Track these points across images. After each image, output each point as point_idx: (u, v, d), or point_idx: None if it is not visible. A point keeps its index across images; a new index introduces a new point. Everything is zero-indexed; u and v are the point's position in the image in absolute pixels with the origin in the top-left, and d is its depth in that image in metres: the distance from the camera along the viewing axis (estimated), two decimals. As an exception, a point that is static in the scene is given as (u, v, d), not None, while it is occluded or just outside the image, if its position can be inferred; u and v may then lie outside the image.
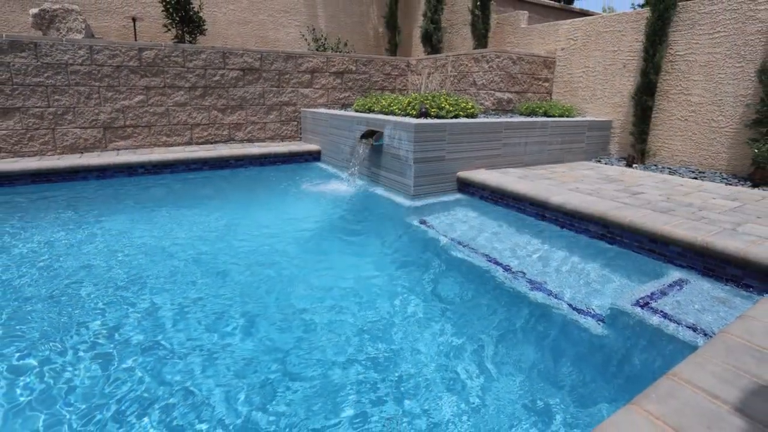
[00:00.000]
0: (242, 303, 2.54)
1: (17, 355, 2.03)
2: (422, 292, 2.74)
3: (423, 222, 3.86)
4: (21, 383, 1.85)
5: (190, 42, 7.09)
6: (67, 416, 1.68)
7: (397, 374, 1.96)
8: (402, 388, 1.87)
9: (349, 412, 1.73)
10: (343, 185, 5.22)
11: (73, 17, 6.15)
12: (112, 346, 2.13)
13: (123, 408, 1.73)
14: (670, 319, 2.25)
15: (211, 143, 6.75)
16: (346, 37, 9.57)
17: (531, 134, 5.25)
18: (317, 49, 8.51)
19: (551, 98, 6.98)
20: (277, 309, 2.50)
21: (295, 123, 7.42)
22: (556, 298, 2.55)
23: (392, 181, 4.72)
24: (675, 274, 2.78)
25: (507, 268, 2.93)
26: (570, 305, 2.47)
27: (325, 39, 8.82)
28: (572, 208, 3.48)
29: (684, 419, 1.25)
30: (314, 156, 6.64)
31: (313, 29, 9.14)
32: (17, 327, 2.24)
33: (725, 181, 4.61)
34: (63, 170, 4.96)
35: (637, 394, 1.36)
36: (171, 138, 6.44)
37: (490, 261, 3.04)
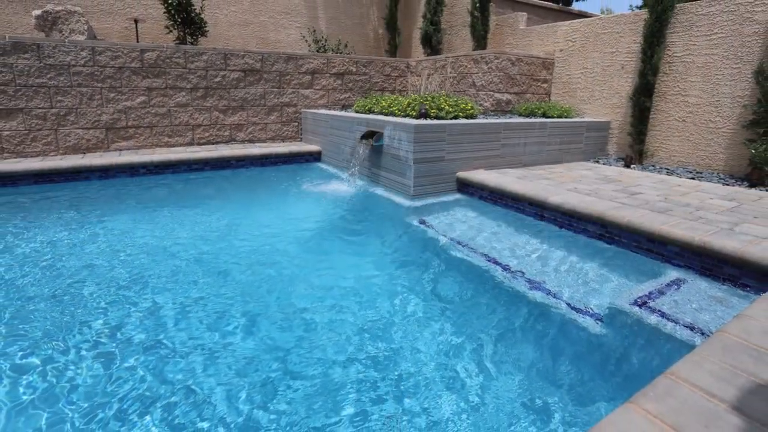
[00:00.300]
0: (243, 302, 2.56)
1: (20, 354, 2.05)
2: (422, 292, 2.75)
3: (423, 222, 3.88)
4: (24, 382, 1.87)
5: (192, 43, 7.12)
6: (70, 414, 1.70)
7: (397, 373, 1.97)
8: (402, 387, 1.88)
9: (349, 410, 1.75)
10: (343, 185, 5.24)
11: (76, 19, 6.18)
12: (114, 345, 2.14)
13: (125, 406, 1.74)
14: (668, 319, 2.27)
15: (213, 144, 6.76)
16: (347, 39, 9.60)
17: (530, 135, 5.27)
18: (318, 51, 8.53)
19: (550, 99, 7.00)
20: (278, 308, 2.51)
21: (296, 124, 7.44)
22: (554, 297, 2.57)
23: (392, 182, 4.74)
24: (673, 273, 2.79)
25: (506, 268, 2.94)
26: (568, 304, 2.48)
27: (326, 40, 8.85)
28: (570, 208, 3.50)
29: (682, 418, 1.25)
30: (315, 156, 6.66)
31: (314, 31, 9.16)
32: (20, 326, 2.26)
33: (722, 181, 4.63)
34: (65, 170, 4.98)
35: (635, 393, 1.36)
36: (173, 138, 6.46)
37: (489, 260, 3.06)
